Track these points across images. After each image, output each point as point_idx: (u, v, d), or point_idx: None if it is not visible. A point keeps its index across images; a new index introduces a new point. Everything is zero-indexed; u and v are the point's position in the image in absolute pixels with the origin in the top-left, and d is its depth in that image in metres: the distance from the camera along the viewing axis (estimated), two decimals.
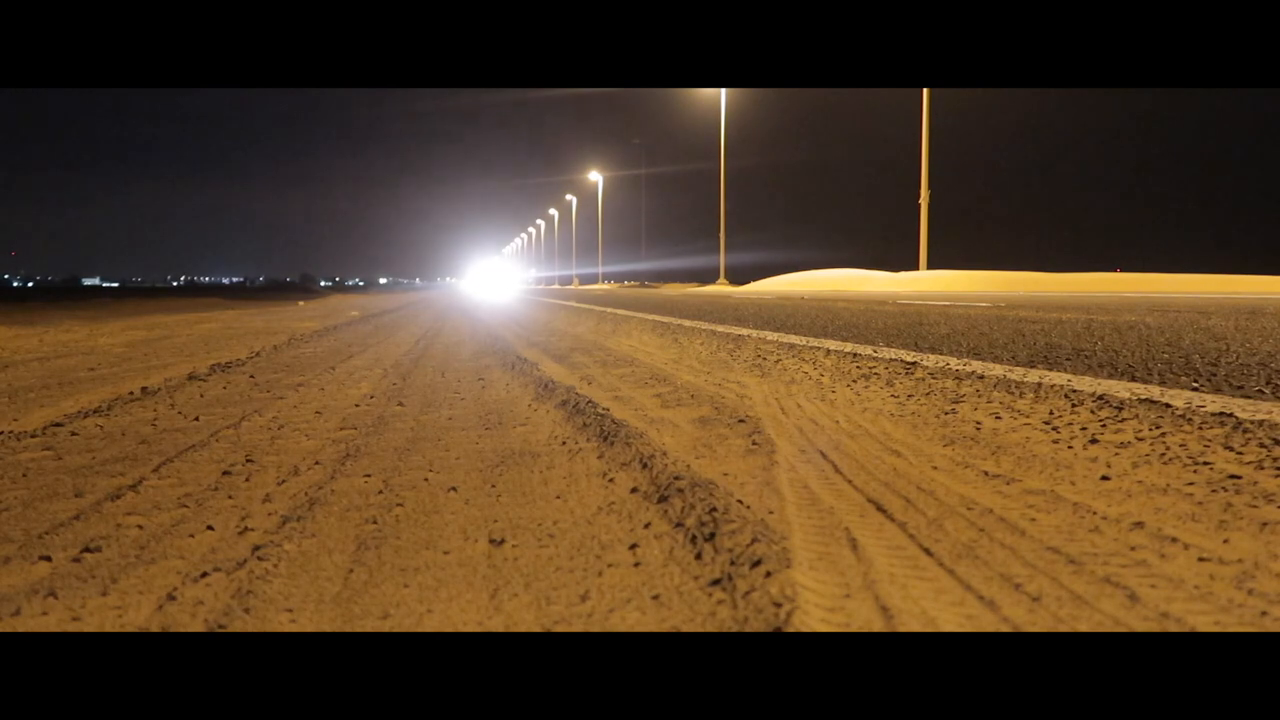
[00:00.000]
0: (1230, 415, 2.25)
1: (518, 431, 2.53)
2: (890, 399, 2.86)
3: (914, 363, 3.78)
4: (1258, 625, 1.06)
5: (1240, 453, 1.88)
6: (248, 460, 2.16)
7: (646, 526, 1.56)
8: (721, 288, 35.17)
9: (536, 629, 1.15)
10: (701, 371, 3.84)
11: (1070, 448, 2.03)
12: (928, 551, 1.34)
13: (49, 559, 1.42)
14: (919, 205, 26.52)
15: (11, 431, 2.57)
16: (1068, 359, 3.85)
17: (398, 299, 22.93)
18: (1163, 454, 1.91)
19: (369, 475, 1.99)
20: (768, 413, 2.67)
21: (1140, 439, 2.06)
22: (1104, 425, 2.24)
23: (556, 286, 58.37)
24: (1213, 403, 2.47)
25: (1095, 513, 1.52)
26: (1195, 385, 2.90)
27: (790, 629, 1.08)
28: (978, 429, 2.30)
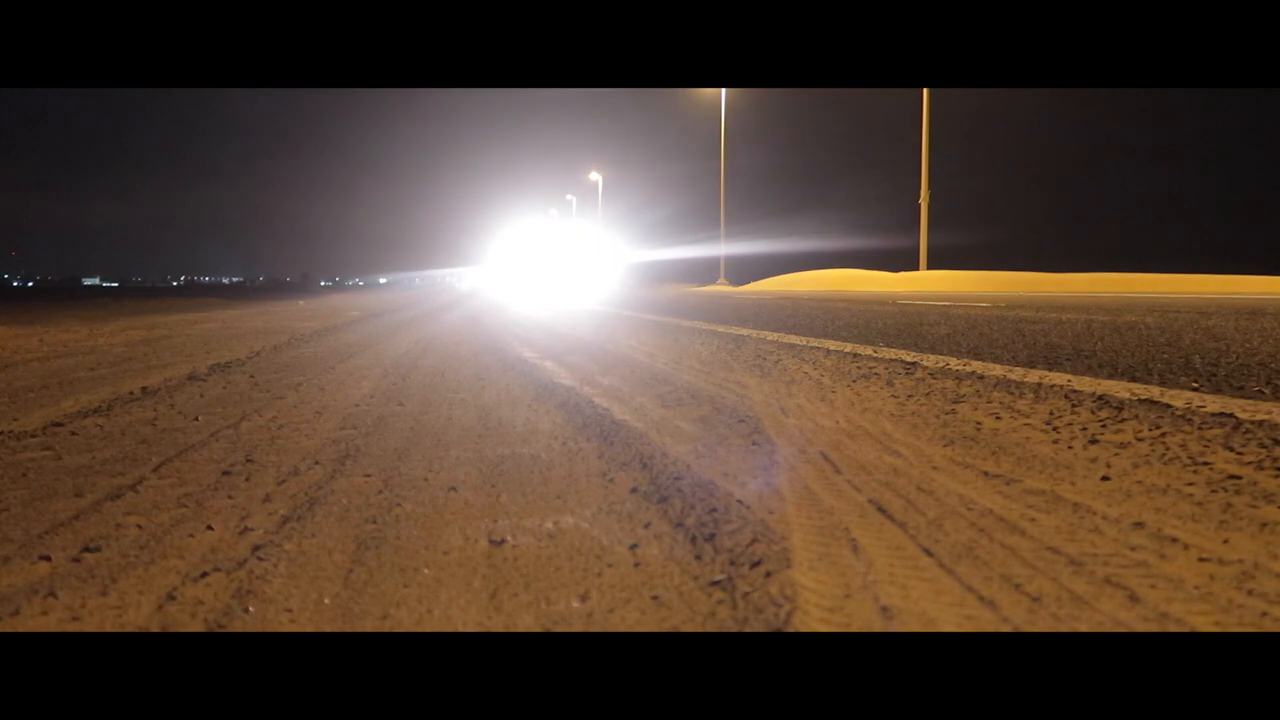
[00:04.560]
0: (1230, 416, 2.25)
1: (517, 432, 2.53)
2: (890, 399, 2.86)
3: (914, 363, 3.78)
4: (1258, 625, 1.06)
5: (1240, 453, 1.88)
6: (247, 460, 2.16)
7: (646, 527, 1.56)
8: (721, 287, 35.15)
9: (536, 629, 1.15)
10: (701, 372, 3.84)
11: (1070, 448, 2.02)
12: (928, 552, 1.34)
13: (49, 559, 1.42)
14: (919, 205, 26.52)
15: (11, 431, 2.57)
16: (1067, 359, 3.85)
17: (398, 299, 22.93)
18: (1163, 454, 1.91)
19: (369, 475, 1.99)
20: (768, 413, 2.67)
21: (1140, 439, 2.06)
22: (1104, 425, 2.24)
23: None
24: (1212, 403, 2.48)
25: (1095, 513, 1.52)
26: (1195, 386, 2.90)
27: (790, 629, 1.08)
28: (978, 429, 2.30)
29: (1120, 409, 2.43)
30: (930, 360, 3.87)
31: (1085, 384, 2.95)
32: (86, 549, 1.47)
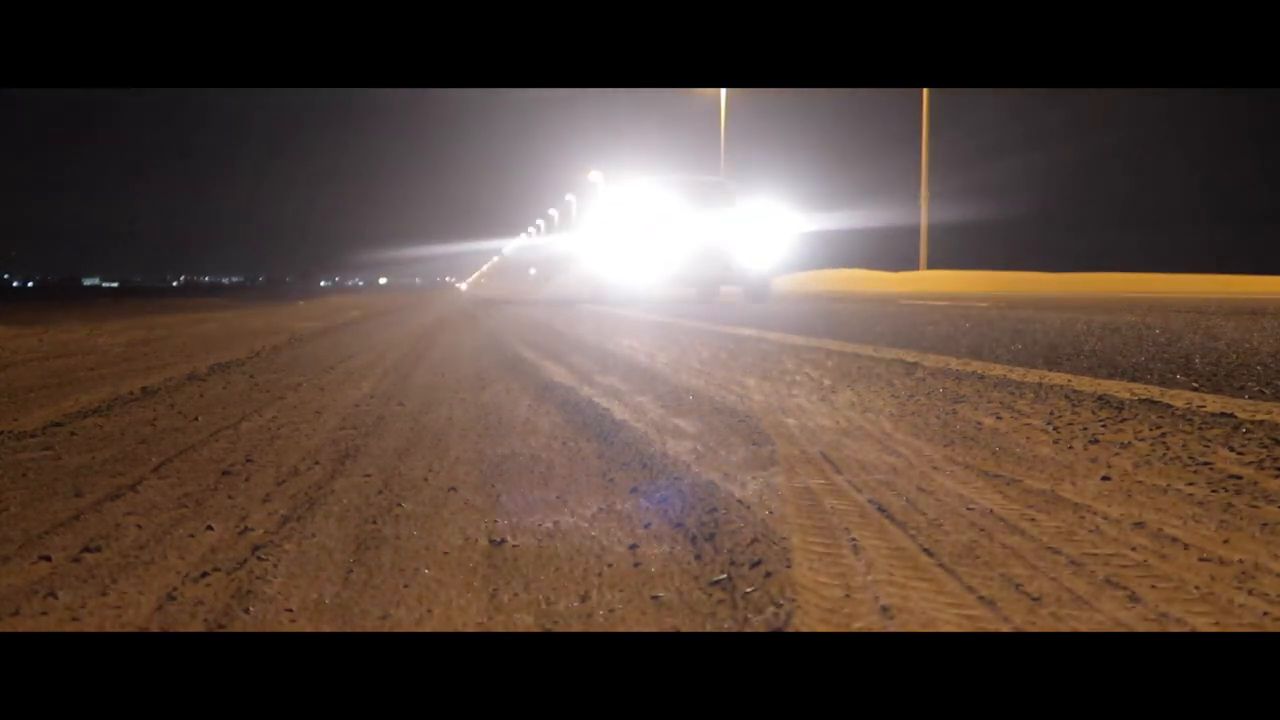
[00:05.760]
0: (1230, 416, 2.25)
1: (517, 432, 2.53)
2: (891, 399, 2.86)
3: (914, 363, 3.78)
4: (1258, 626, 1.06)
5: (1241, 453, 1.88)
6: (247, 460, 2.16)
7: (646, 527, 1.56)
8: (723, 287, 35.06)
9: (536, 629, 1.14)
10: (702, 373, 3.84)
11: (1071, 448, 2.02)
12: (928, 552, 1.34)
13: (48, 559, 1.42)
14: (919, 205, 26.51)
15: (11, 431, 2.57)
16: (1068, 359, 3.85)
17: (398, 299, 22.94)
18: (1163, 454, 1.91)
19: (369, 475, 1.99)
20: (768, 413, 2.67)
21: (1141, 439, 2.06)
22: (1104, 426, 2.24)
23: None
24: (1213, 403, 2.47)
25: (1096, 513, 1.52)
26: (1195, 386, 2.90)
27: (790, 629, 1.08)
28: (978, 429, 2.30)
29: (1121, 409, 2.43)
30: (931, 360, 3.87)
31: (1085, 384, 2.95)
32: (86, 549, 1.47)
